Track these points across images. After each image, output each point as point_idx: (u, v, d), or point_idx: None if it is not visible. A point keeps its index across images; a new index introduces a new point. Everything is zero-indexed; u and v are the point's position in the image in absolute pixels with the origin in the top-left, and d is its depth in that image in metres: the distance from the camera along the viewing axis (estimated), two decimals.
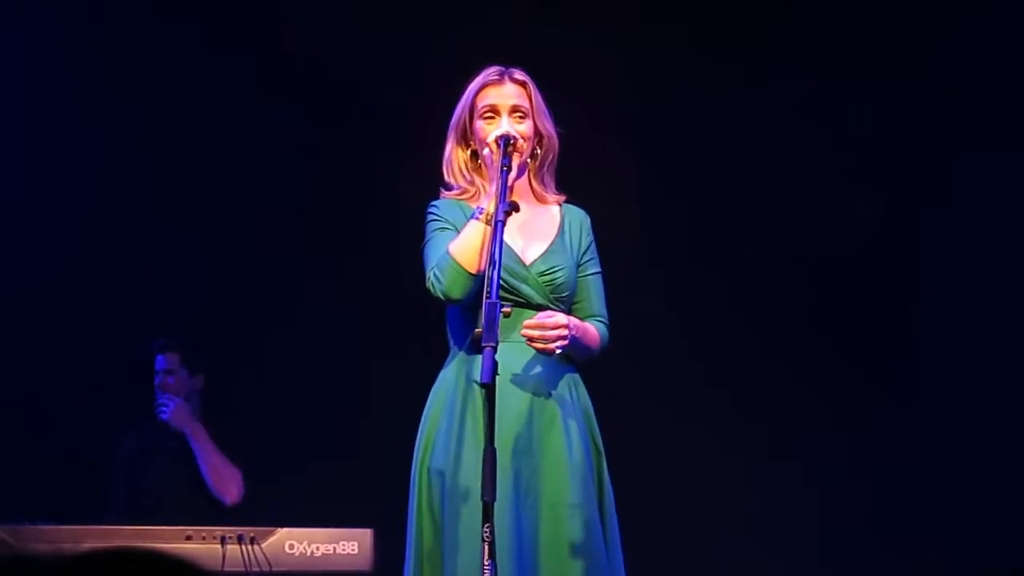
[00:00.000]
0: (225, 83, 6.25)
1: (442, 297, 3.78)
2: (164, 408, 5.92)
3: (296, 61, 6.23)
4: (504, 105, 3.89)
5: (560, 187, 4.04)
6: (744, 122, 6.11)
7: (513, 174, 3.80)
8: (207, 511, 5.82)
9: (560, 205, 4.02)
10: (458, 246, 3.75)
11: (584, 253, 3.99)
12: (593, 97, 5.82)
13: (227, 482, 5.88)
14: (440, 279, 3.76)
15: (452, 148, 3.97)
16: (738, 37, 6.13)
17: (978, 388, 5.93)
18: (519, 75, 3.93)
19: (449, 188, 3.98)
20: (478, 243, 3.73)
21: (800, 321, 6.17)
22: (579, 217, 4.02)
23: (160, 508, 5.83)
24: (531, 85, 3.93)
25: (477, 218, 3.75)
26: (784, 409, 6.07)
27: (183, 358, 6.02)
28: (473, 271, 3.74)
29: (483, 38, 5.58)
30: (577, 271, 3.96)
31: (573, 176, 4.07)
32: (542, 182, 3.99)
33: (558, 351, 3.74)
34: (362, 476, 5.78)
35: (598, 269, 4.03)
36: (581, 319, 3.93)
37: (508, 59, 4.00)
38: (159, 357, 6.00)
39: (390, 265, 4.66)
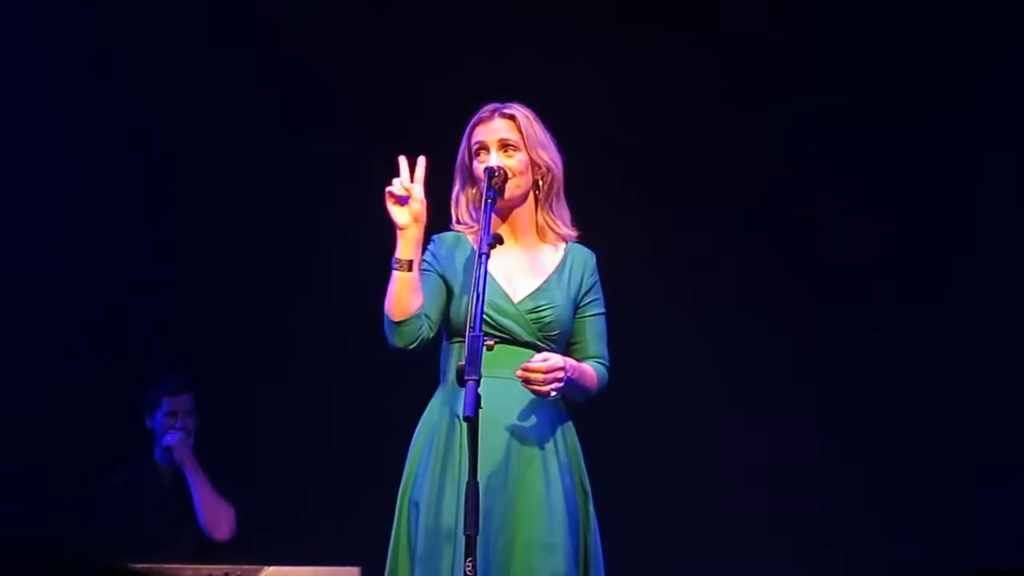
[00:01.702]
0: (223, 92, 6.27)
1: (392, 350, 3.82)
2: (173, 434, 5.90)
3: (321, 90, 6.23)
4: (492, 140, 3.91)
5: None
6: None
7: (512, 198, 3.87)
8: (194, 548, 5.80)
9: (567, 243, 4.01)
10: (386, 299, 3.80)
11: (586, 294, 3.98)
12: (591, 123, 5.83)
13: (220, 519, 5.86)
14: (385, 333, 3.82)
15: (458, 188, 4.00)
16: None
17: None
18: (509, 109, 3.95)
19: (460, 224, 4.00)
20: (396, 291, 3.76)
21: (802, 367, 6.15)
22: (583, 256, 4.01)
23: (149, 545, 5.81)
24: (522, 118, 3.93)
25: (394, 268, 3.77)
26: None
27: (197, 399, 6.02)
28: (397, 319, 3.77)
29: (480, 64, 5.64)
30: (575, 311, 3.95)
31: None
32: (549, 215, 3.98)
33: (553, 394, 3.73)
34: (349, 513, 5.75)
35: (601, 310, 4.02)
36: (579, 360, 3.93)
37: (510, 88, 4.03)
38: (183, 397, 5.97)
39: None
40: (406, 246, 3.76)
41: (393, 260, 3.78)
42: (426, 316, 3.81)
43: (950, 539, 5.80)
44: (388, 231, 3.81)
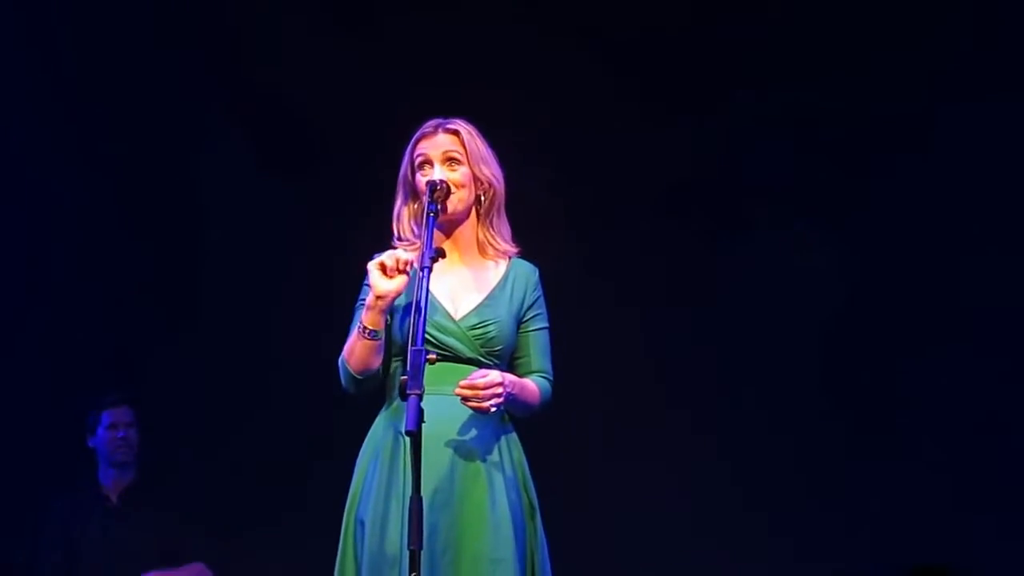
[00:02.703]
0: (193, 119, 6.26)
1: (345, 391, 3.84)
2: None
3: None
4: (436, 154, 3.91)
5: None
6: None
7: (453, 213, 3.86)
8: (145, 568, 5.77)
9: (509, 259, 4.00)
10: (347, 352, 3.80)
11: (528, 309, 3.97)
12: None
13: None
14: (340, 375, 3.83)
15: (400, 203, 3.98)
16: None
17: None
18: (453, 125, 3.94)
19: (401, 240, 3.97)
20: (361, 353, 3.76)
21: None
22: (525, 272, 4.01)
23: (99, 570, 5.77)
24: (465, 133, 3.93)
25: (362, 335, 3.75)
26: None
27: (137, 413, 5.99)
28: (359, 374, 3.79)
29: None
30: (517, 326, 3.94)
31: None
32: (489, 231, 3.97)
33: (492, 409, 3.73)
34: (297, 531, 5.72)
35: (544, 324, 4.01)
36: (523, 375, 3.92)
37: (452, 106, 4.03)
38: (123, 409, 5.94)
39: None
40: (378, 317, 3.74)
41: (361, 327, 3.76)
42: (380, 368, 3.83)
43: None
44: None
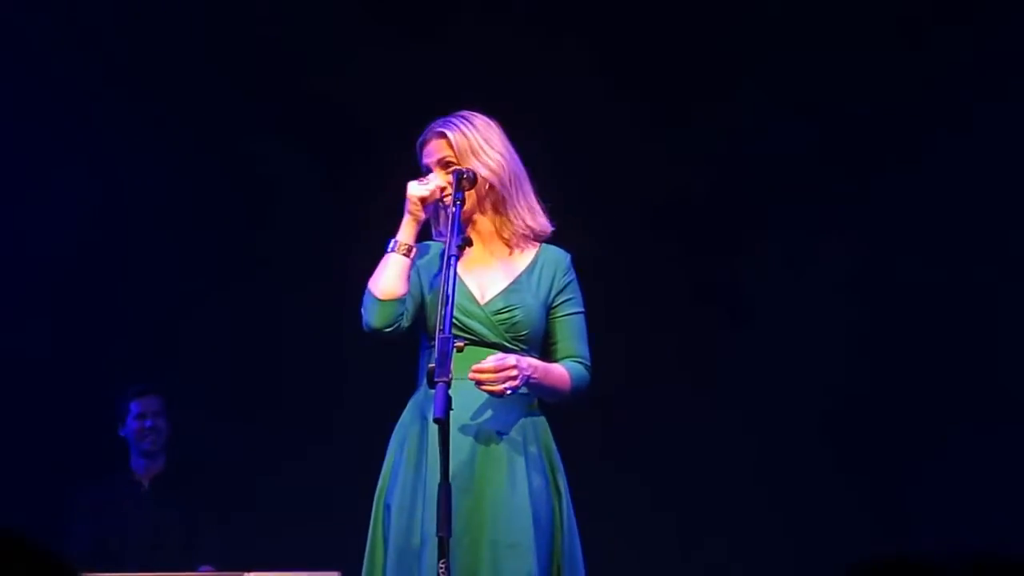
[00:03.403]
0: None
1: (367, 330, 3.83)
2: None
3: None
4: (431, 162, 3.93)
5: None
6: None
7: (461, 208, 3.83)
8: (182, 553, 5.80)
9: (539, 245, 3.99)
10: (373, 277, 3.83)
11: (559, 294, 3.95)
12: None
13: None
14: (362, 313, 3.84)
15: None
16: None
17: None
18: (440, 127, 3.93)
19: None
20: (389, 272, 3.80)
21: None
22: (555, 257, 3.99)
23: (132, 557, 5.81)
24: (452, 133, 3.90)
25: (391, 250, 3.81)
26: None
27: (166, 403, 6.03)
28: (383, 298, 3.78)
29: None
30: (547, 312, 3.93)
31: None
32: (504, 219, 3.94)
33: (508, 392, 3.72)
34: (329, 517, 5.75)
35: (577, 309, 3.99)
36: (558, 360, 3.92)
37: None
38: (150, 399, 5.98)
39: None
40: (410, 230, 3.81)
41: (393, 241, 3.82)
42: (405, 304, 3.82)
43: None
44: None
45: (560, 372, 3.91)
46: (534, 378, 3.78)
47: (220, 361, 6.26)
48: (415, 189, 3.82)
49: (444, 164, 3.90)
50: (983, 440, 5.85)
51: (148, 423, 5.99)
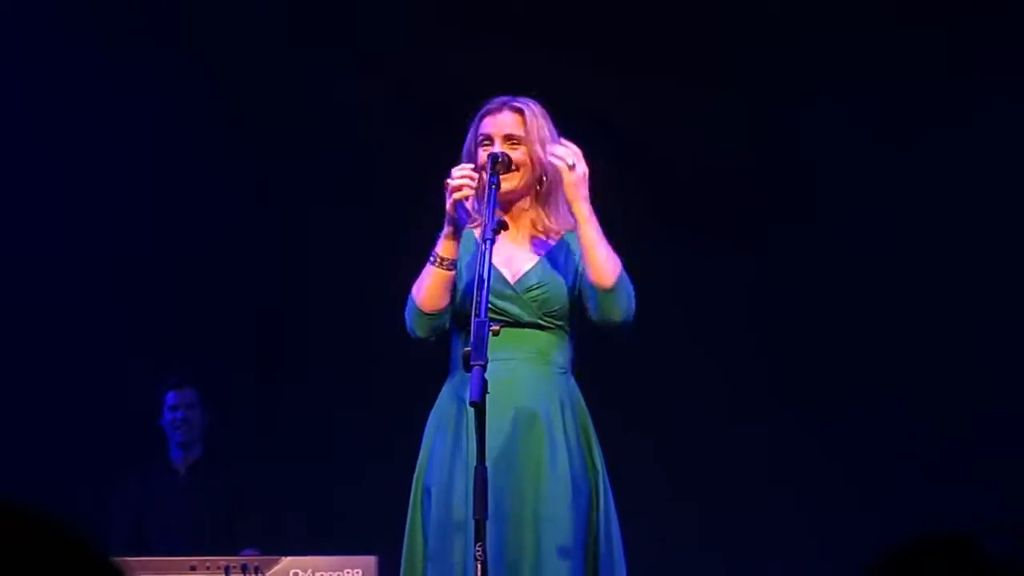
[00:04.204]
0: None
1: (411, 336, 3.88)
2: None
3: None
4: (497, 133, 3.89)
5: None
6: None
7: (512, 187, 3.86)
8: (220, 539, 5.83)
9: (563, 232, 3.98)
10: (416, 288, 3.86)
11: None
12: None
13: None
14: (406, 318, 3.88)
15: None
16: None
17: None
18: (518, 103, 3.91)
19: None
20: (431, 286, 3.83)
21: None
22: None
23: (169, 545, 5.84)
24: (530, 113, 3.89)
25: (432, 263, 3.82)
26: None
27: (201, 394, 6.06)
28: (428, 311, 3.83)
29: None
30: (575, 282, 3.89)
31: None
32: (545, 211, 3.94)
33: (581, 170, 3.75)
34: (367, 501, 5.78)
35: None
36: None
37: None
38: (185, 391, 6.02)
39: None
40: (452, 245, 3.82)
41: (435, 256, 3.83)
42: (447, 314, 3.86)
43: None
44: None
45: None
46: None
47: (247, 347, 6.31)
48: (452, 180, 3.77)
49: (508, 139, 3.89)
50: None
51: (180, 415, 6.02)
